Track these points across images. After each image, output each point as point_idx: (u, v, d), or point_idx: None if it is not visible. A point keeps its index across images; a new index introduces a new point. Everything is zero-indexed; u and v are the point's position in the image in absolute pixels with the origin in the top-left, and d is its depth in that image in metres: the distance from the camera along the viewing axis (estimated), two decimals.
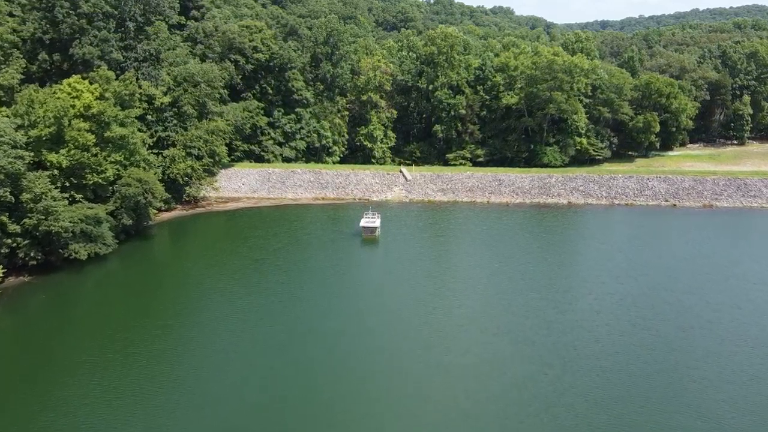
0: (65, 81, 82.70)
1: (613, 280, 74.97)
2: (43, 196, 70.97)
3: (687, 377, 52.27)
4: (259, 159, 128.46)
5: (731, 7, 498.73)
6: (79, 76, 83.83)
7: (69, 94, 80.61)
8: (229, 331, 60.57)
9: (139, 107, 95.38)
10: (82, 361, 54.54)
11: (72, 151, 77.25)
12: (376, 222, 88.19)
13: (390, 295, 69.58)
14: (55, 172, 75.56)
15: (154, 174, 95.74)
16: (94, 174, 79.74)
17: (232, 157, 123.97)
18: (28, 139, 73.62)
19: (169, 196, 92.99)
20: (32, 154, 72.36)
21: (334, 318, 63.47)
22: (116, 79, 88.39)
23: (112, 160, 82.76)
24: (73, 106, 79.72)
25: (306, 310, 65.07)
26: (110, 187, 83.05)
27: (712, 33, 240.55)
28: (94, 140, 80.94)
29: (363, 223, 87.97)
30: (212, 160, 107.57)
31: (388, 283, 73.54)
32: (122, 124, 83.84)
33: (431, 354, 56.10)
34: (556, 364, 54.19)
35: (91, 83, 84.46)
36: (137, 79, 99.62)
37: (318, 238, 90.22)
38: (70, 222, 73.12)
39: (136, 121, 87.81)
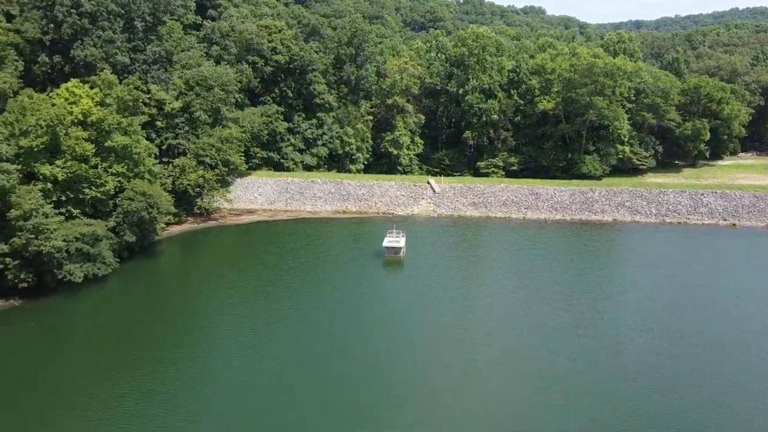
0: (63, 86, 76.06)
1: (669, 312, 65.46)
2: (34, 213, 64.16)
3: None
4: (278, 166, 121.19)
5: None
6: (78, 80, 77.06)
7: (66, 99, 73.92)
8: (230, 367, 53.06)
9: (147, 113, 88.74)
10: (59, 403, 47.78)
11: (68, 163, 70.41)
12: (401, 242, 79.77)
13: (413, 330, 61.03)
14: (49, 185, 68.68)
15: (162, 185, 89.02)
16: (93, 187, 72.81)
17: (250, 164, 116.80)
18: (18, 150, 66.92)
19: (175, 210, 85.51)
20: (21, 167, 65.51)
21: (347, 360, 55.22)
22: (121, 83, 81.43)
23: (114, 171, 75.81)
24: (71, 113, 72.99)
25: (317, 347, 56.93)
26: (111, 201, 76.11)
27: (760, 33, 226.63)
28: (94, 150, 74.12)
29: (386, 242, 79.64)
30: (226, 170, 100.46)
31: (412, 314, 64.97)
32: (125, 133, 76.81)
33: (458, 402, 47.58)
34: (605, 418, 45.30)
35: (91, 88, 77.68)
36: (146, 82, 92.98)
37: (336, 258, 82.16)
38: (64, 241, 66.27)
39: (140, 129, 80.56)
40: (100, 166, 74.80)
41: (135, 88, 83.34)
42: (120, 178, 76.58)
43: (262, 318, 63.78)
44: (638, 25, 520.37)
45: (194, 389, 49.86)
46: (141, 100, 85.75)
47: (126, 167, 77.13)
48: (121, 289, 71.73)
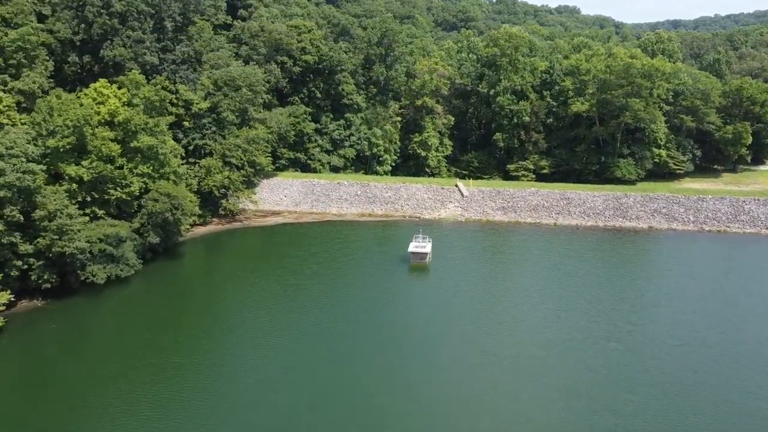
0: (92, 86, 76.10)
1: (707, 326, 62.34)
2: (59, 214, 64.11)
3: None
4: (305, 167, 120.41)
5: None
6: (106, 80, 77.04)
7: (94, 99, 73.92)
8: (247, 375, 52.09)
9: (174, 113, 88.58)
10: (74, 405, 47.60)
11: (94, 163, 70.31)
12: (427, 248, 77.87)
13: (438, 341, 59.12)
14: (74, 186, 68.64)
15: (188, 186, 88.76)
16: (118, 188, 72.64)
17: (277, 165, 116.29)
18: (45, 150, 67.02)
19: (200, 212, 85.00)
20: (46, 167, 65.52)
21: (368, 369, 53.63)
22: (149, 83, 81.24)
23: (139, 172, 75.58)
24: (98, 113, 72.95)
25: (337, 355, 55.51)
26: (136, 202, 75.92)
27: None
28: (120, 151, 74.03)
29: (412, 248, 77.83)
30: (252, 170, 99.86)
31: (436, 323, 63.01)
32: (151, 133, 76.54)
33: (478, 417, 45.56)
34: None
35: (119, 88, 77.61)
36: (174, 82, 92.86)
37: (360, 262, 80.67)
38: (87, 242, 66.15)
39: (166, 129, 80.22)
40: (125, 167, 74.68)
41: (162, 88, 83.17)
42: (145, 179, 76.33)
43: (283, 324, 62.59)
44: (676, 24, 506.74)
45: (212, 396, 48.90)
46: (168, 101, 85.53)
47: (151, 168, 76.85)
48: (143, 291, 71.42)
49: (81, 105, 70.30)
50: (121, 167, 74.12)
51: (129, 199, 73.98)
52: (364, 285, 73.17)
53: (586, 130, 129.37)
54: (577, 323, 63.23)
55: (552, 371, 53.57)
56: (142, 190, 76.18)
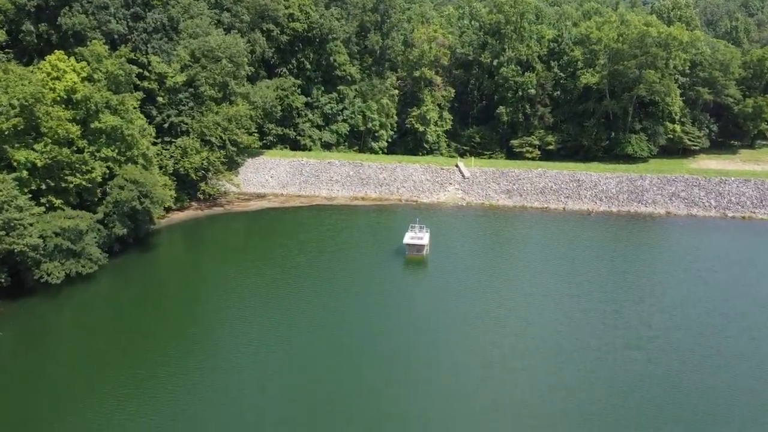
0: (48, 58, 67.48)
1: (742, 332, 55.22)
2: (5, 206, 56.43)
3: None
4: (295, 145, 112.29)
5: None
6: (62, 52, 68.38)
7: (49, 74, 65.46)
8: (224, 393, 45.15)
9: (145, 88, 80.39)
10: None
11: (48, 147, 62.26)
12: (424, 239, 70.34)
13: (436, 348, 52.05)
14: (25, 173, 60.67)
15: (162, 168, 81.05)
16: (78, 174, 64.73)
17: (265, 141, 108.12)
18: None
19: (171, 200, 76.99)
20: None
21: (358, 375, 46.69)
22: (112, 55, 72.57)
23: (103, 156, 67.57)
24: (53, 90, 64.60)
25: (325, 360, 48.57)
26: (100, 190, 68.12)
27: None
28: (79, 132, 65.90)
29: (408, 239, 70.31)
30: (235, 149, 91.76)
31: (435, 328, 55.87)
32: (116, 112, 68.30)
33: None
34: None
35: (78, 61, 69.01)
36: (146, 54, 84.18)
37: (350, 254, 73.25)
38: (41, 237, 58.63)
39: (133, 108, 71.85)
40: (86, 150, 66.65)
41: (129, 60, 74.58)
42: (110, 163, 68.38)
43: (265, 325, 55.85)
44: None
45: (189, 417, 42.04)
46: (135, 74, 77.01)
47: (117, 151, 68.79)
48: (109, 290, 64.17)
49: (29, 82, 61.72)
50: (81, 151, 66.08)
51: (90, 186, 66.12)
52: (354, 282, 65.85)
53: (596, 103, 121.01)
54: (593, 328, 56.16)
55: (563, 388, 46.55)
56: (107, 176, 68.30)
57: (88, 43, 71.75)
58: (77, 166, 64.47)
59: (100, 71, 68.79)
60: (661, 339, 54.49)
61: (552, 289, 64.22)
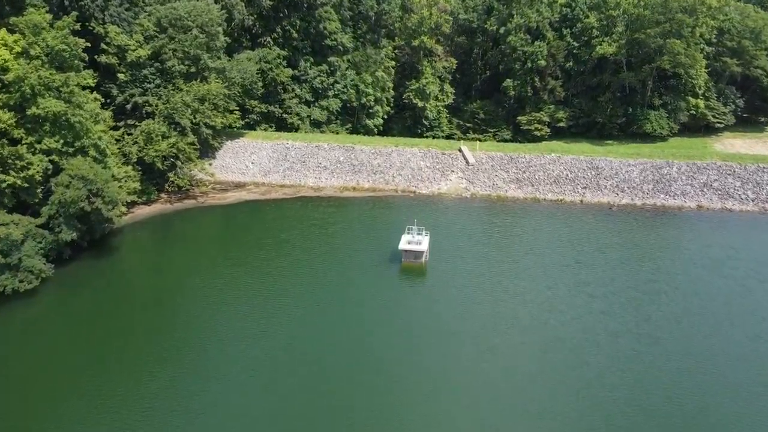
0: None
1: None
2: None
3: None
4: (281, 123, 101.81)
5: None
6: None
7: None
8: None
9: (104, 62, 69.74)
10: None
11: None
12: (423, 244, 60.49)
13: (434, 374, 42.80)
14: None
15: (125, 157, 70.90)
16: (12, 171, 54.50)
17: (247, 119, 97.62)
18: None
19: (140, 188, 67.06)
20: None
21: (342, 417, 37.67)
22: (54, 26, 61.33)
23: (45, 147, 57.20)
24: None
25: (297, 397, 39.36)
26: (41, 189, 57.94)
27: None
28: (13, 120, 55.42)
29: (404, 244, 60.49)
30: (210, 132, 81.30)
31: (433, 351, 46.57)
32: (59, 95, 57.67)
33: None
34: None
35: (11, 33, 58.01)
36: (103, 23, 73.02)
37: (338, 260, 63.43)
38: None
39: (80, 89, 61.01)
40: (24, 142, 56.26)
41: (79, 32, 63.50)
42: (54, 156, 58.03)
43: (238, 344, 46.69)
44: None
45: None
46: (90, 48, 66.06)
47: (62, 141, 58.37)
48: (56, 305, 54.50)
49: None
50: (15, 143, 55.70)
51: (28, 186, 55.90)
52: (343, 294, 56.28)
53: (612, 76, 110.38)
54: (615, 353, 46.89)
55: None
56: (49, 172, 58.03)
57: (25, 12, 60.45)
58: (10, 161, 54.13)
59: (38, 45, 57.74)
60: (706, 373, 45.39)
61: (570, 306, 54.61)
